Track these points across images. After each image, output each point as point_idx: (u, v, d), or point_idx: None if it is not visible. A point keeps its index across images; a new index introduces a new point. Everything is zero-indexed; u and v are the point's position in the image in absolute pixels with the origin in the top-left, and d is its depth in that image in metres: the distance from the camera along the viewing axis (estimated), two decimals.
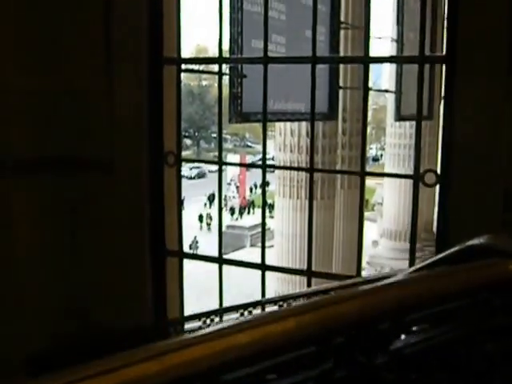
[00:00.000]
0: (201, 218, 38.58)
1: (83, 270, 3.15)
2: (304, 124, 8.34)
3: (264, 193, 3.09)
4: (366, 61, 2.76)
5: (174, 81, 3.39)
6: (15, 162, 3.00)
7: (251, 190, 45.88)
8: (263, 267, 2.91)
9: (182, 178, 3.39)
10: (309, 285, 2.86)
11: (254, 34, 5.26)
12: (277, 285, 7.93)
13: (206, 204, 43.15)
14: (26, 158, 3.04)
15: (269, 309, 2.49)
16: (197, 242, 30.69)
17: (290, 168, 3.46)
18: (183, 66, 3.48)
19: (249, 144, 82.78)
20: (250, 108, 4.86)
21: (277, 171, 8.80)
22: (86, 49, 3.15)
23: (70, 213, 3.16)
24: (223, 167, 3.17)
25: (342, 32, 6.94)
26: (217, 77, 3.24)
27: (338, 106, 6.89)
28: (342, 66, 7.67)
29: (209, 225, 38.38)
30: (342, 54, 6.99)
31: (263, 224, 3.01)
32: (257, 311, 2.48)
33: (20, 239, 3.04)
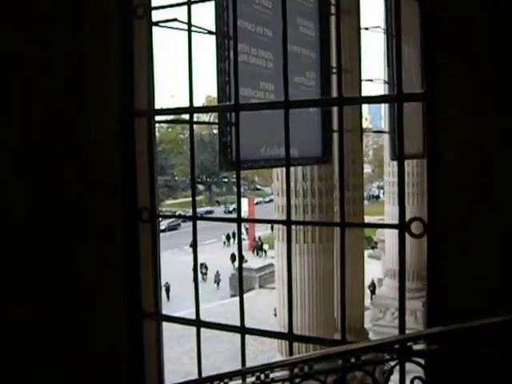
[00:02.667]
0: (195, 268, 37.81)
1: (54, 334, 2.78)
2: (300, 169, 8.09)
3: (240, 249, 2.72)
4: (340, 102, 2.43)
5: (151, 133, 3.07)
6: None
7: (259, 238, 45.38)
8: (242, 330, 2.52)
9: (158, 234, 3.04)
10: (290, 350, 2.48)
11: (242, 82, 5.00)
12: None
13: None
14: None
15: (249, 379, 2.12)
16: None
17: (267, 221, 3.14)
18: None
19: (258, 187, 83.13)
20: (241, 156, 4.57)
21: (276, 214, 8.48)
22: (60, 103, 2.84)
23: (39, 274, 2.81)
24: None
25: (333, 76, 6.72)
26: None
27: (332, 149, 6.57)
28: (335, 109, 7.43)
29: (204, 274, 37.67)
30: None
31: (241, 294, 2.63)
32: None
33: None
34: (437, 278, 2.25)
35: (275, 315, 14.60)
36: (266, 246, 42.54)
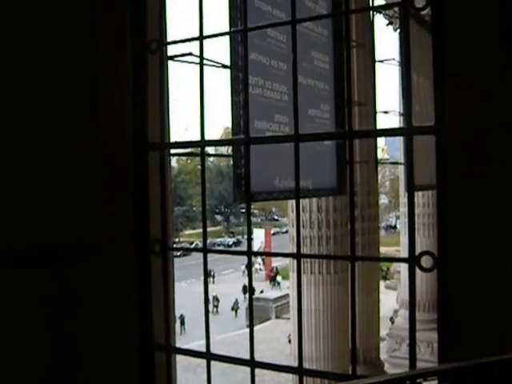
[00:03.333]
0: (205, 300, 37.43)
1: (63, 369, 2.75)
2: (315, 200, 8.08)
3: (250, 282, 2.69)
4: (349, 136, 2.41)
5: (164, 165, 3.07)
6: None
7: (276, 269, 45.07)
8: (252, 364, 2.48)
9: (171, 266, 3.02)
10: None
11: (257, 115, 5.00)
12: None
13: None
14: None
15: None
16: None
17: (276, 254, 3.11)
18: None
19: (275, 218, 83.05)
20: (255, 187, 4.56)
21: (291, 245, 8.45)
22: (72, 138, 2.85)
23: (47, 307, 2.79)
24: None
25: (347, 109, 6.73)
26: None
27: (347, 181, 6.55)
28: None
29: (215, 307, 37.22)
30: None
31: (251, 331, 2.60)
32: None
33: None
34: (448, 313, 2.20)
35: (289, 341, 14.51)
36: (279, 278, 42.34)
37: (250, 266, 2.65)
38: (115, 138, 2.91)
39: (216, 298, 36.45)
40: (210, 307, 35.94)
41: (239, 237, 69.30)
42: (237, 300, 36.38)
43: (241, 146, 4.26)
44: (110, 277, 2.85)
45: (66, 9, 2.78)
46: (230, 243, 65.63)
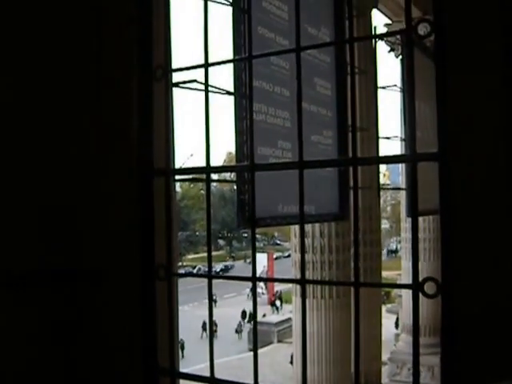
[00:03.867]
0: (204, 325, 37.07)
1: None
2: (317, 225, 8.08)
3: (255, 307, 2.68)
4: (354, 163, 2.41)
5: (169, 191, 3.06)
6: None
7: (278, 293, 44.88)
8: None
9: (175, 292, 3.00)
10: None
11: (260, 141, 5.02)
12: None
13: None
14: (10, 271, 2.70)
15: None
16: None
17: (281, 280, 3.10)
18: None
19: (278, 242, 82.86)
20: (259, 213, 4.57)
21: (293, 270, 8.42)
22: (76, 162, 2.86)
23: (55, 330, 2.78)
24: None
25: (350, 135, 6.77)
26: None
27: (349, 206, 6.53)
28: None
29: (214, 331, 37.24)
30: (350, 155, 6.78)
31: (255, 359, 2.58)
32: None
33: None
34: (452, 340, 2.19)
35: (291, 363, 14.44)
36: (278, 302, 42.20)
37: (254, 291, 2.64)
38: (122, 164, 2.92)
39: (214, 323, 36.40)
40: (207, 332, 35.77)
41: (229, 262, 69.27)
42: (240, 322, 36.24)
43: (245, 172, 4.28)
44: (116, 302, 2.85)
45: (72, 33, 2.81)
46: (222, 268, 65.38)
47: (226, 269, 66.49)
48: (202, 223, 66.56)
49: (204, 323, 35.89)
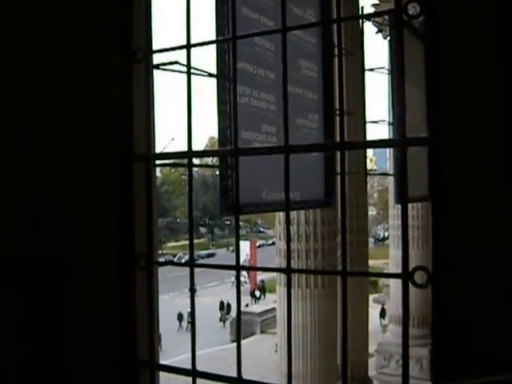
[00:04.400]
0: (180, 317, 36.60)
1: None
2: (303, 212, 8.08)
3: (239, 297, 2.68)
4: (343, 147, 2.40)
5: (149, 177, 3.04)
6: None
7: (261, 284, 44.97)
8: (239, 382, 2.47)
9: (155, 281, 3.00)
10: None
11: (244, 125, 5.00)
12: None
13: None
14: None
15: None
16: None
17: (266, 269, 3.07)
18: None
19: (261, 229, 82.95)
20: (242, 200, 4.55)
21: (278, 258, 8.43)
22: (50, 148, 2.83)
23: (33, 321, 2.77)
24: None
25: (336, 119, 6.75)
26: None
27: (335, 192, 6.54)
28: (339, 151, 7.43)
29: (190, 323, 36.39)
30: (338, 140, 6.76)
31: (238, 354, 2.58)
32: None
33: None
34: (442, 331, 2.20)
35: (276, 351, 14.47)
36: (257, 293, 42.35)
37: (238, 280, 2.63)
38: (101, 149, 2.90)
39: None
40: (184, 324, 35.29)
41: (211, 250, 69.22)
42: (226, 307, 36.07)
43: (228, 157, 4.26)
44: (95, 292, 2.83)
45: (48, 12, 2.78)
46: (204, 255, 65.54)
47: (208, 256, 66.59)
48: (183, 209, 66.36)
49: (179, 315, 35.61)
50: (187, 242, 3.03)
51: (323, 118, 6.08)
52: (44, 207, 2.83)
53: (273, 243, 56.91)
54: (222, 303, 37.31)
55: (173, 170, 70.97)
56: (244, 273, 42.63)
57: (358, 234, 10.11)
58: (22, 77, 2.76)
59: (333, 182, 6.10)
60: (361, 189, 10.11)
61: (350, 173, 8.81)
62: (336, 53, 6.46)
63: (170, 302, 38.11)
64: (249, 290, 42.39)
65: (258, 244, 57.03)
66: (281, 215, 8.19)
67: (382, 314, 32.46)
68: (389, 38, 12.86)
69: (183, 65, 3.26)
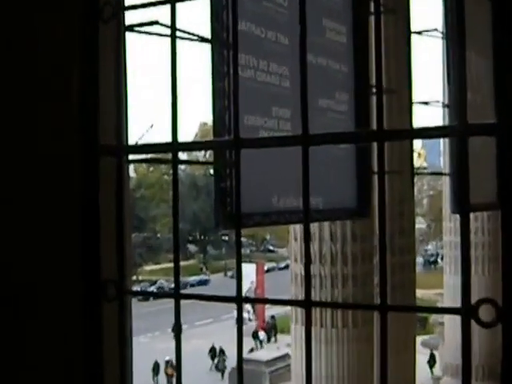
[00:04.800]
0: (156, 368, 35.44)
1: None
2: (327, 225, 8.08)
3: (240, 338, 2.69)
4: (381, 137, 2.40)
5: (120, 176, 3.06)
6: None
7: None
8: None
9: (128, 316, 3.01)
10: None
11: (248, 107, 4.98)
12: None
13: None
14: None
15: None
16: None
17: (277, 302, 3.03)
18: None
19: (270, 248, 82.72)
20: (246, 208, 4.54)
21: (293, 287, 8.45)
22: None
23: None
24: None
25: (373, 99, 6.70)
26: None
27: (371, 198, 6.52)
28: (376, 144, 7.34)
29: (170, 376, 35.03)
30: (374, 128, 6.67)
31: None
32: None
33: None
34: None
35: None
36: (261, 334, 42.01)
37: (240, 317, 2.64)
38: (54, 141, 2.91)
39: (170, 365, 34.68)
40: (161, 378, 34.46)
41: (202, 276, 69.17)
42: (219, 353, 35.92)
43: (227, 150, 4.26)
44: (50, 331, 2.85)
45: None
46: (194, 283, 65.65)
47: (200, 284, 66.73)
48: (166, 221, 66.35)
49: (155, 365, 34.90)
50: (171, 265, 3.03)
51: (355, 98, 6.07)
52: None
53: (286, 266, 56.70)
54: (213, 349, 36.99)
55: (152, 169, 71.00)
56: (248, 307, 42.61)
57: (401, 254, 10.09)
58: None
59: (368, 185, 6.09)
60: (406, 194, 10.08)
61: (391, 172, 8.81)
62: (372, 10, 6.45)
63: (148, 346, 38.12)
64: (254, 330, 42.37)
65: (266, 268, 57.07)
66: (297, 229, 8.16)
67: (433, 362, 32.28)
68: None
69: (166, 26, 3.28)
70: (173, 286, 2.94)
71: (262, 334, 42.48)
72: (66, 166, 2.92)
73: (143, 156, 3.27)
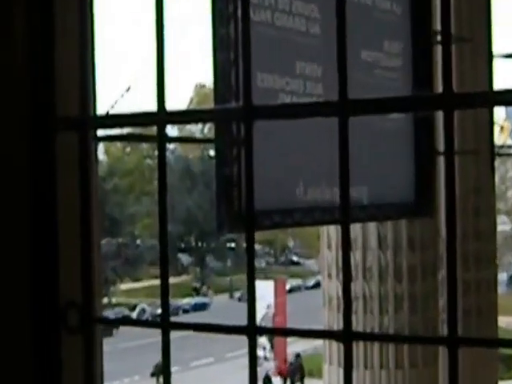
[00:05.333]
0: None
1: None
2: (373, 226, 8.06)
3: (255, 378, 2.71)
4: (447, 103, 2.40)
5: (87, 159, 3.08)
6: None
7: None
8: None
9: (98, 352, 3.04)
10: None
11: (263, 62, 4.98)
12: None
13: None
14: None
15: None
16: None
17: (304, 333, 3.00)
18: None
19: (294, 259, 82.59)
20: (259, 204, 4.52)
21: (326, 314, 8.49)
22: None
23: None
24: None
25: (437, 49, 6.66)
26: None
27: (436, 191, 6.52)
28: (439, 114, 7.31)
29: None
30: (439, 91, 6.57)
31: None
32: None
33: None
34: None
35: None
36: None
37: (253, 355, 2.65)
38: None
39: None
40: None
41: (200, 298, 69.10)
42: None
43: (230, 123, 4.28)
44: None
45: None
46: (188, 307, 65.85)
47: (196, 309, 66.95)
48: (148, 222, 66.36)
49: None
50: (157, 283, 3.03)
51: (412, 50, 6.07)
52: None
53: (316, 285, 56.52)
54: None
55: (129, 150, 70.88)
56: (264, 341, 42.56)
57: (477, 267, 10.08)
58: None
59: (430, 171, 6.09)
60: (483, 183, 10.04)
61: (462, 152, 8.80)
62: None
63: None
64: (272, 373, 42.42)
65: (288, 286, 57.15)
66: (332, 232, 8.12)
67: None
68: None
69: None
70: (158, 311, 2.95)
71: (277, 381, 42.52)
72: (10, 146, 2.94)
73: (117, 131, 3.28)
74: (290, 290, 57.03)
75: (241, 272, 64.79)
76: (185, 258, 74.89)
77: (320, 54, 5.23)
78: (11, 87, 2.93)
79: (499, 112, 37.24)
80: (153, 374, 46.07)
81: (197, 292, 72.78)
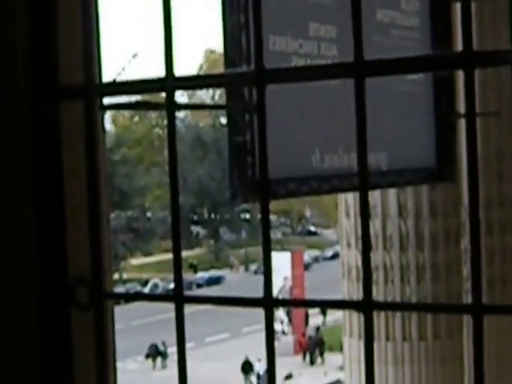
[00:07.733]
0: None
1: None
2: (393, 193, 8.04)
3: (272, 360, 2.71)
4: (468, 61, 2.39)
5: (92, 129, 3.07)
6: None
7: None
8: None
9: (110, 329, 3.04)
10: None
11: (274, 24, 4.97)
12: None
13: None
14: None
15: None
16: None
17: (323, 304, 2.97)
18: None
19: (311, 229, 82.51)
20: (274, 172, 4.51)
21: (346, 285, 8.48)
22: None
23: None
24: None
25: (456, 6, 6.63)
26: None
27: (457, 155, 6.50)
28: (459, 75, 7.26)
29: None
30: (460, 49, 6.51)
31: None
32: None
33: None
34: None
35: None
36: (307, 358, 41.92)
37: (270, 328, 2.65)
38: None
39: None
40: None
41: (214, 271, 68.93)
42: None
43: (243, 88, 4.27)
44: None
45: None
46: (202, 281, 65.73)
47: (210, 283, 66.99)
48: (158, 194, 66.36)
49: None
50: (169, 257, 3.04)
51: (430, 7, 6.04)
52: None
53: (335, 255, 56.39)
54: (246, 364, 37.41)
55: (137, 119, 70.85)
56: (281, 314, 42.57)
57: (502, 234, 10.04)
58: None
59: (451, 134, 6.08)
60: (507, 145, 9.98)
61: (484, 114, 8.75)
62: None
63: (139, 375, 38.36)
64: (290, 347, 42.41)
65: (306, 258, 57.14)
66: (350, 200, 8.09)
67: None
68: None
69: None
70: (171, 286, 2.95)
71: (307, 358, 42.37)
72: (11, 117, 2.94)
73: (124, 99, 3.27)
74: (308, 263, 56.87)
75: (256, 244, 64.50)
76: (198, 231, 74.66)
77: (334, 14, 5.20)
78: (9, 53, 2.93)
79: None
80: (147, 356, 45.45)
81: (211, 265, 72.63)
